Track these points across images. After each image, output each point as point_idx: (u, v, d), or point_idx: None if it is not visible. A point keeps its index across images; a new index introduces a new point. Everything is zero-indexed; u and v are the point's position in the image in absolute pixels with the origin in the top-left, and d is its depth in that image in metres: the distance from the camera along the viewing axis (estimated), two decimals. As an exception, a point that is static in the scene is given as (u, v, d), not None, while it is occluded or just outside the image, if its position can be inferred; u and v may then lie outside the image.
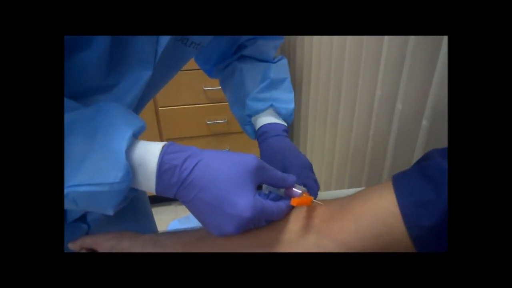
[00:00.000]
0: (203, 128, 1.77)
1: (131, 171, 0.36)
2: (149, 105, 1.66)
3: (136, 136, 0.38)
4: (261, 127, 0.65)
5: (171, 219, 1.84)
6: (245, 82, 0.68)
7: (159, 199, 1.91)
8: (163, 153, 0.37)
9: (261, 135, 0.64)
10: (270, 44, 0.71)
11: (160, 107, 1.69)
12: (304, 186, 0.47)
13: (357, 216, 0.38)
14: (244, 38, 0.70)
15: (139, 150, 0.37)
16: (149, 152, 0.37)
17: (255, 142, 0.66)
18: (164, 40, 0.46)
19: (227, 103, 0.74)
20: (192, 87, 1.67)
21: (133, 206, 0.68)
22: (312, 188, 0.52)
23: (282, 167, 0.54)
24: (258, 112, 0.66)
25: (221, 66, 0.73)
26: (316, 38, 1.50)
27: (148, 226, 0.75)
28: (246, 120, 0.67)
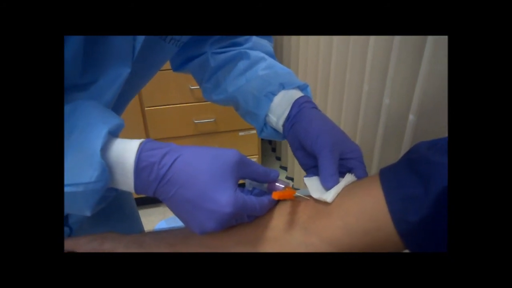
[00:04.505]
0: (191, 127, 1.76)
1: (107, 170, 0.35)
2: (135, 105, 1.64)
3: (113, 135, 0.37)
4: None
5: (160, 221, 1.81)
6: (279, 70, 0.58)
7: (147, 201, 1.89)
8: (140, 150, 0.36)
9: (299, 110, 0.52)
10: (264, 41, 0.65)
11: (147, 107, 1.67)
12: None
13: (344, 212, 0.37)
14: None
15: (116, 148, 0.36)
16: (126, 150, 0.36)
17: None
18: (142, 36, 0.45)
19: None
20: (178, 86, 1.65)
21: (117, 207, 0.67)
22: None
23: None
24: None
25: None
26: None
27: (134, 228, 0.73)
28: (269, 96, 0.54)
